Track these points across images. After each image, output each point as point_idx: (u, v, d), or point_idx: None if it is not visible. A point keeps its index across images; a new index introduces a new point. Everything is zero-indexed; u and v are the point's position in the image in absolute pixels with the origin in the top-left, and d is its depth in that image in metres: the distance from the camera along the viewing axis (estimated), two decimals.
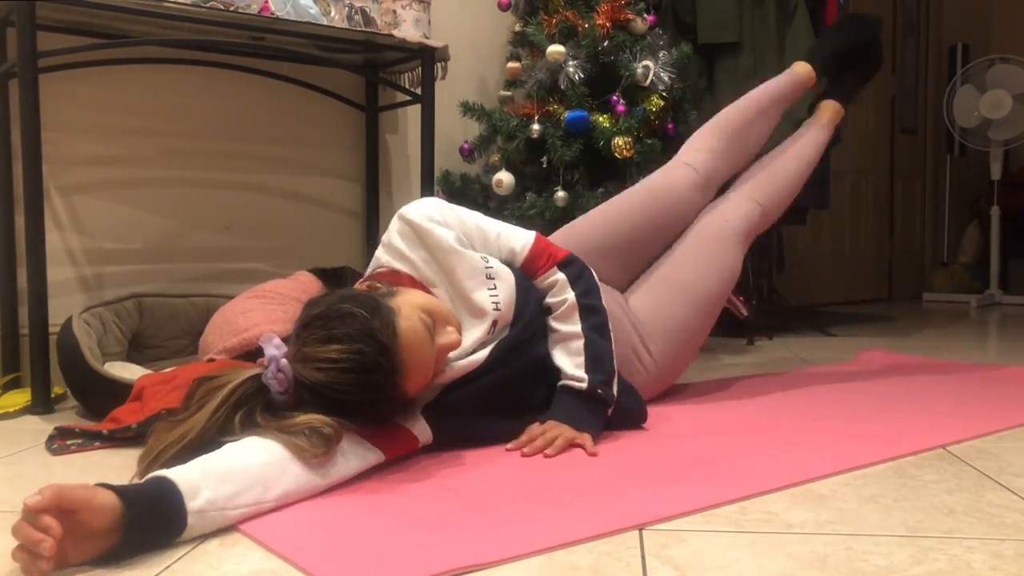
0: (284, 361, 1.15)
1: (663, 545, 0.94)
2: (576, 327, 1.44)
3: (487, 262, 1.41)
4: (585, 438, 1.35)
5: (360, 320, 1.14)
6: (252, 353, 1.61)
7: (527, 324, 1.42)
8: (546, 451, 1.32)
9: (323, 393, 1.14)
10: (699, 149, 1.89)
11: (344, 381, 1.13)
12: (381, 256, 1.44)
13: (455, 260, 1.38)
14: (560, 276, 1.47)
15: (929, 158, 5.22)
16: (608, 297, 1.58)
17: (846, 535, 0.97)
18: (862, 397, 1.80)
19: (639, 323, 1.70)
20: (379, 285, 1.31)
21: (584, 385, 1.40)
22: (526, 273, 1.48)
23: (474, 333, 1.38)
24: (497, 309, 1.38)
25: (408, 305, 1.21)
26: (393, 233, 1.43)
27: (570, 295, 1.46)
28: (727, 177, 1.93)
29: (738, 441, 1.41)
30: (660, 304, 1.73)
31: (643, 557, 0.91)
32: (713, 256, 1.79)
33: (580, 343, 1.43)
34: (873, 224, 4.85)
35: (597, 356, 1.43)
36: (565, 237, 1.76)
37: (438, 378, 1.31)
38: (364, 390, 1.14)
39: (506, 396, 1.39)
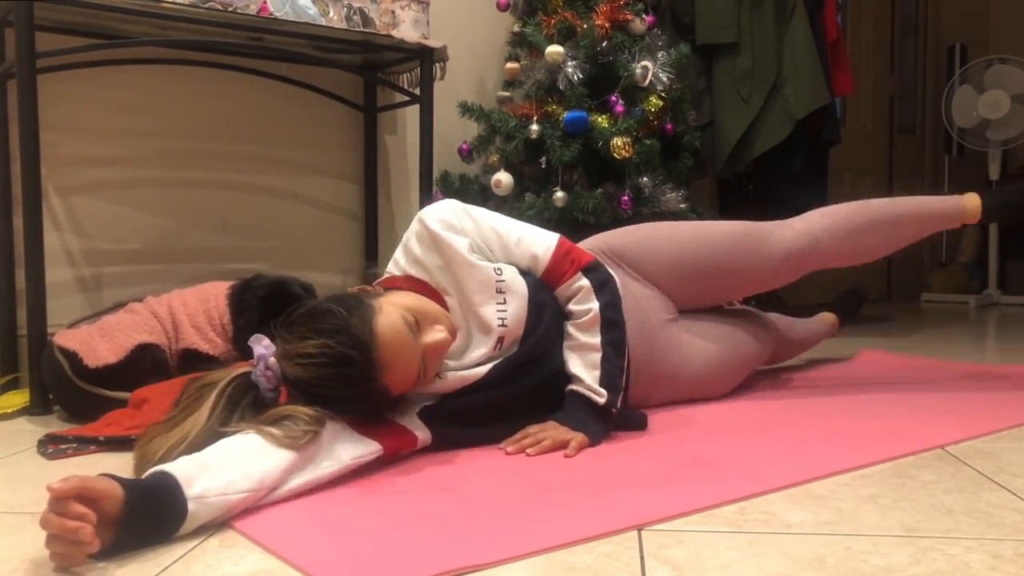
0: (272, 359, 1.19)
1: (662, 545, 0.94)
2: (595, 339, 1.41)
3: (499, 275, 1.38)
4: (578, 438, 1.34)
5: (337, 317, 1.18)
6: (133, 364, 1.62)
7: (537, 342, 1.40)
8: (528, 450, 1.32)
9: (304, 388, 1.17)
10: (815, 225, 1.79)
11: (321, 376, 1.15)
12: (399, 259, 1.44)
13: (465, 272, 1.37)
14: (585, 283, 1.44)
15: (928, 158, 5.23)
16: (650, 309, 1.62)
17: (845, 535, 0.97)
18: (861, 397, 1.80)
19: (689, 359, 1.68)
20: (371, 288, 1.31)
21: (602, 400, 1.38)
22: (549, 279, 1.45)
23: (480, 348, 1.37)
24: (503, 325, 1.37)
25: (391, 304, 1.23)
26: (411, 235, 1.42)
27: (595, 305, 1.42)
28: (820, 267, 1.82)
29: (737, 441, 1.41)
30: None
31: (642, 557, 0.91)
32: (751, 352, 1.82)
33: (598, 356, 1.40)
34: None
35: (612, 372, 1.41)
36: (640, 236, 1.73)
37: (435, 386, 1.31)
38: (341, 384, 1.16)
39: (508, 411, 1.39)
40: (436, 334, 1.25)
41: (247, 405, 1.17)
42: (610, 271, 1.49)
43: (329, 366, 1.15)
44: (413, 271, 1.41)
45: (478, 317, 1.37)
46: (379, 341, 1.17)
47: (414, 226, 1.42)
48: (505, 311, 1.37)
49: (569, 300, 1.45)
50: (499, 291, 1.37)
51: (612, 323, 1.43)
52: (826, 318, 2.35)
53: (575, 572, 0.87)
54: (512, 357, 1.39)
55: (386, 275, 1.45)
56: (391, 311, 1.21)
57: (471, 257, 1.37)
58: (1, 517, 1.07)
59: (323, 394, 1.17)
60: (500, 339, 1.37)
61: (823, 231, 1.78)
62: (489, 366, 1.36)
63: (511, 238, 1.45)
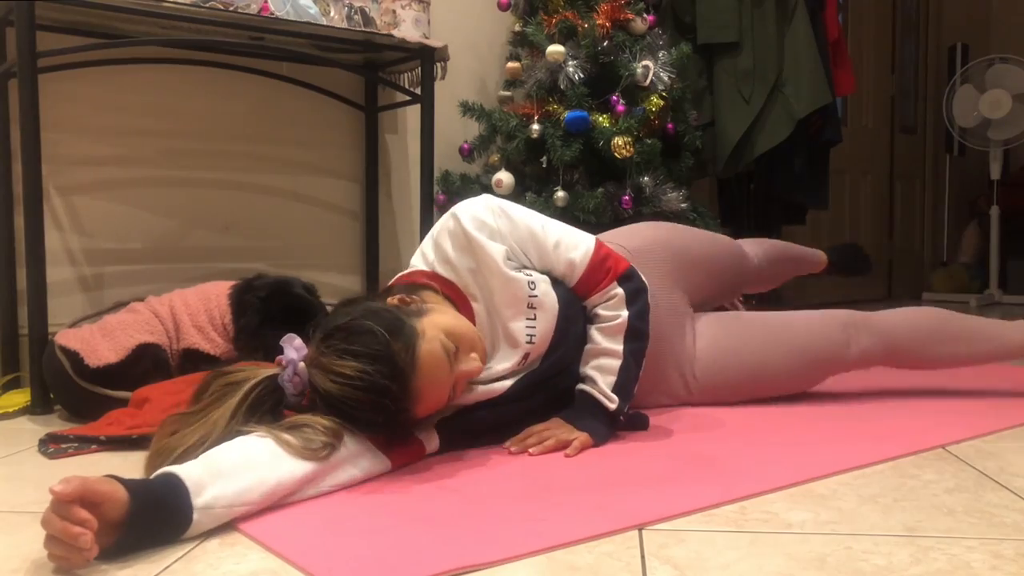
0: (301, 365, 1.16)
1: (663, 545, 0.94)
2: (618, 346, 1.39)
3: (532, 289, 1.35)
4: (582, 438, 1.34)
5: (380, 341, 1.13)
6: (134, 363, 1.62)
7: (561, 357, 1.39)
8: (531, 450, 1.31)
9: (332, 403, 1.15)
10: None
11: (354, 398, 1.13)
12: (428, 253, 1.40)
13: (497, 283, 1.34)
14: (619, 292, 1.41)
15: (928, 158, 5.22)
16: (671, 311, 1.61)
17: (846, 535, 0.98)
18: (862, 397, 1.80)
19: (693, 351, 1.65)
20: (410, 299, 1.26)
21: (614, 407, 1.37)
22: (584, 286, 1.42)
23: (504, 361, 1.35)
24: (531, 342, 1.35)
25: (433, 327, 1.19)
26: (443, 231, 1.37)
27: (624, 314, 1.40)
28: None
29: (738, 441, 1.41)
30: (725, 352, 1.66)
31: (643, 557, 0.91)
32: (807, 362, 1.68)
33: (617, 363, 1.39)
34: (873, 224, 4.85)
35: (627, 381, 1.39)
36: (676, 234, 1.74)
37: (456, 401, 1.29)
38: (372, 410, 1.14)
39: (522, 422, 1.38)
40: (471, 363, 1.22)
41: (268, 408, 1.16)
42: (644, 280, 1.45)
43: (363, 391, 1.12)
44: (441, 269, 1.37)
45: (507, 331, 1.35)
46: (418, 370, 1.15)
47: (447, 222, 1.37)
48: (534, 328, 1.35)
49: (599, 304, 1.43)
50: (530, 307, 1.35)
51: (638, 333, 1.41)
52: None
53: (576, 571, 0.87)
54: (534, 373, 1.37)
55: (412, 268, 1.42)
56: (433, 336, 1.17)
57: (506, 268, 1.33)
58: (2, 516, 1.07)
59: (351, 414, 1.14)
60: (526, 355, 1.36)
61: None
62: (511, 381, 1.35)
63: (548, 241, 1.40)
